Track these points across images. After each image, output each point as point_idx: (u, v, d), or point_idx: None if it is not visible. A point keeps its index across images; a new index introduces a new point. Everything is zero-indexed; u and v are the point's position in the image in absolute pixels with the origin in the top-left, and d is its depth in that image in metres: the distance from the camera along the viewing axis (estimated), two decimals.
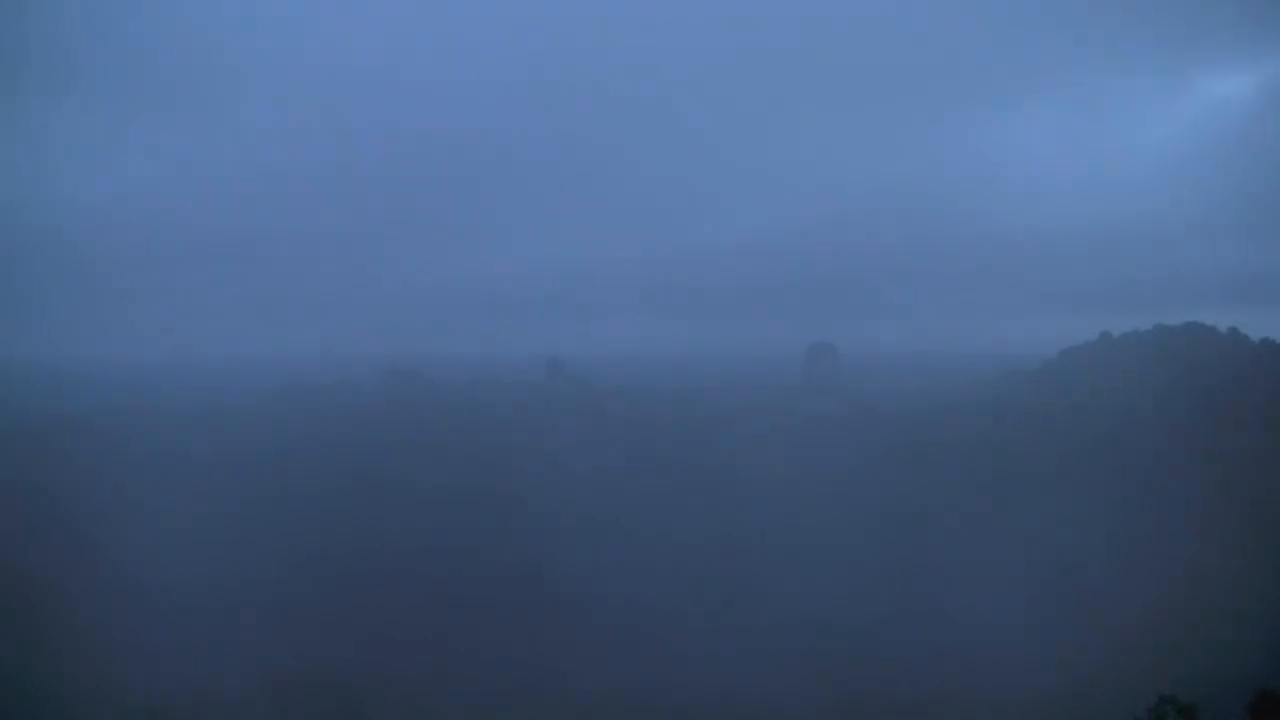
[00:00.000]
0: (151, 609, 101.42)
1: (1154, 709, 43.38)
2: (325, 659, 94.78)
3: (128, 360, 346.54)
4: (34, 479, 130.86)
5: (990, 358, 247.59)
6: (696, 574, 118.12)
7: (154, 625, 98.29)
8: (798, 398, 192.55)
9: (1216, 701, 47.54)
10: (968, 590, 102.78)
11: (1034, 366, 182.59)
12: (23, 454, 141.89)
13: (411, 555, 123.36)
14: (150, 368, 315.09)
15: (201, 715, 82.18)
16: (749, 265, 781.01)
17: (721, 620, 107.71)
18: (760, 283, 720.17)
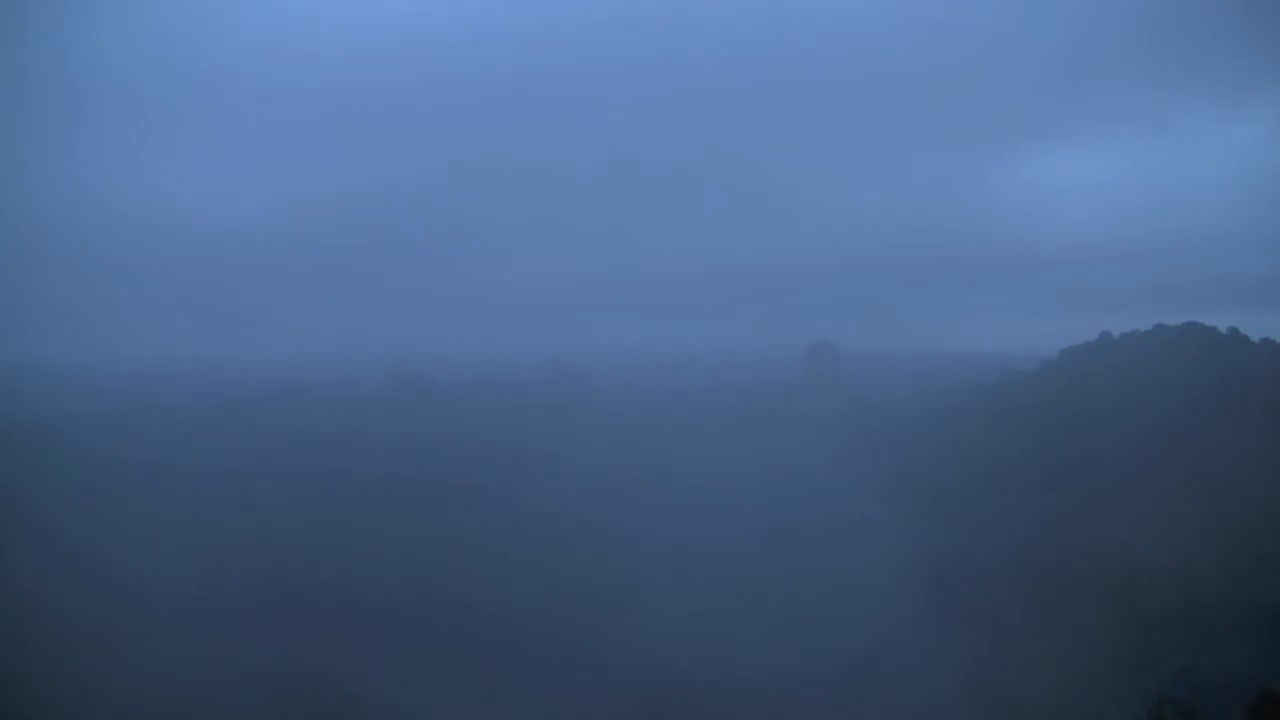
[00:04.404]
0: (137, 614, 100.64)
1: (1154, 709, 43.45)
2: (317, 661, 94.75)
3: (124, 361, 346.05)
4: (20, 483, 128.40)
5: (990, 357, 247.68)
6: (695, 574, 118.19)
7: (139, 630, 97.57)
8: (798, 397, 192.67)
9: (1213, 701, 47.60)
10: (966, 590, 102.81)
11: (1033, 366, 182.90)
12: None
13: (409, 557, 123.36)
14: (147, 369, 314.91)
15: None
16: (756, 269, 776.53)
17: (719, 620, 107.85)
18: (764, 285, 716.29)
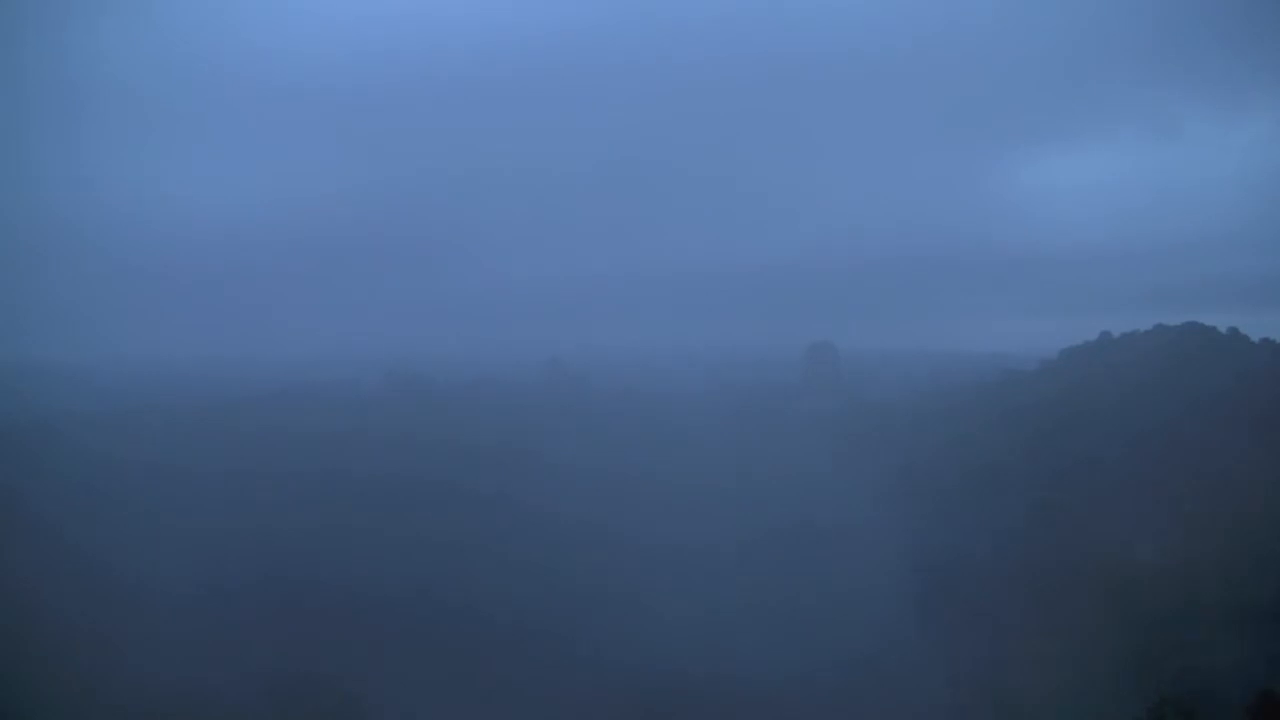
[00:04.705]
0: (137, 614, 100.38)
1: (1154, 709, 43.47)
2: (317, 661, 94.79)
3: (124, 361, 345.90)
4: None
5: (990, 357, 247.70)
6: (695, 574, 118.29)
7: (139, 631, 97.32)
8: (798, 397, 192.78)
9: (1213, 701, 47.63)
10: (966, 590, 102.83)
11: (1033, 366, 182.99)
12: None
13: (409, 557, 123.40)
14: (147, 369, 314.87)
15: None
16: (756, 269, 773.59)
17: (719, 620, 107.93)
18: (764, 285, 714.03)
